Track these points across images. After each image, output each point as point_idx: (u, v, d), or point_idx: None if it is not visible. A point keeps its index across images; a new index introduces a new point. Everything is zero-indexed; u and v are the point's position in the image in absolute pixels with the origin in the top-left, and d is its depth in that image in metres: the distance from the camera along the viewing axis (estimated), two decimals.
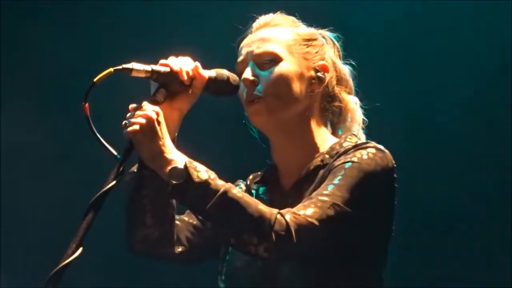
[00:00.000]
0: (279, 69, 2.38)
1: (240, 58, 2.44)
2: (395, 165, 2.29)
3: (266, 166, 2.51)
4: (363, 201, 2.20)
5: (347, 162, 2.24)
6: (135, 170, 2.34)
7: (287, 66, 2.38)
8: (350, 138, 2.39)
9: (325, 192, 2.19)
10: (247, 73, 2.38)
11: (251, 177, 2.54)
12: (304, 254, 2.18)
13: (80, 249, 2.05)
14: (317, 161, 2.35)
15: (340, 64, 2.49)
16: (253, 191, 2.48)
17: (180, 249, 2.44)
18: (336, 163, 2.27)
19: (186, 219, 2.47)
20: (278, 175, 2.45)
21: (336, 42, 2.52)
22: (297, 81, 2.38)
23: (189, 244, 2.45)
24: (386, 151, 2.29)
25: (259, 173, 2.53)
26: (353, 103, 2.48)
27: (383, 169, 2.25)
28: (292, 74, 2.38)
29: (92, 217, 2.10)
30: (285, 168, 2.43)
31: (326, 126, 2.46)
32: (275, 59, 2.39)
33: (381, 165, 2.25)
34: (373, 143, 2.32)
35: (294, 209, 2.16)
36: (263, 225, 2.11)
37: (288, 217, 2.13)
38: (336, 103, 2.46)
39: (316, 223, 2.13)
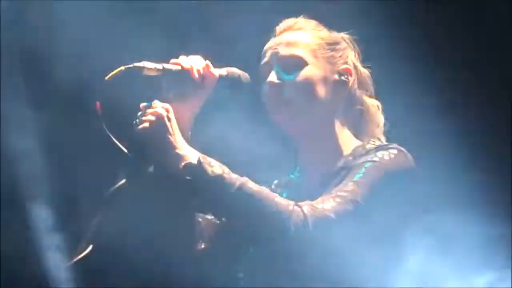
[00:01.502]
0: (305, 73, 2.38)
1: (264, 60, 2.44)
2: (415, 168, 2.31)
3: (291, 171, 2.52)
4: (381, 200, 2.21)
5: (368, 161, 2.26)
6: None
7: (312, 70, 2.39)
8: (374, 142, 2.40)
9: (345, 188, 2.21)
10: (273, 77, 2.39)
11: (276, 181, 2.55)
12: (321, 247, 2.18)
13: (91, 246, 2.06)
14: (340, 163, 2.36)
15: (361, 67, 2.50)
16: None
17: (203, 246, 2.43)
18: (357, 162, 2.28)
19: (210, 217, 2.47)
20: (303, 179, 2.46)
21: (356, 45, 2.52)
22: (322, 85, 2.39)
23: (211, 240, 2.44)
24: (408, 153, 2.31)
25: (282, 179, 2.54)
26: (374, 106, 2.49)
27: (403, 170, 2.27)
28: (317, 78, 2.39)
29: (103, 215, 2.11)
30: (309, 171, 2.44)
31: (349, 128, 2.46)
32: (300, 63, 2.40)
33: (402, 165, 2.27)
34: (395, 145, 2.33)
35: (313, 202, 2.18)
36: (281, 217, 2.12)
37: (305, 209, 2.14)
38: (358, 106, 2.47)
39: (334, 216, 2.15)
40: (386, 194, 2.23)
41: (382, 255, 2.28)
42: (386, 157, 2.27)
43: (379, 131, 2.48)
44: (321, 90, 2.39)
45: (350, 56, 2.48)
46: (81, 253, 2.05)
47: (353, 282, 2.24)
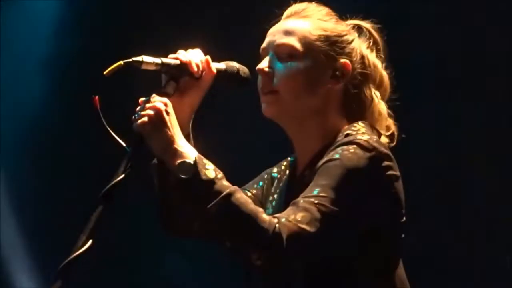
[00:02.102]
0: (296, 65, 2.35)
1: (263, 45, 2.42)
2: (385, 153, 2.23)
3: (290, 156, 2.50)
4: (350, 199, 2.17)
5: (330, 160, 2.21)
6: (155, 161, 2.33)
7: (305, 63, 2.35)
8: (354, 127, 2.33)
9: (310, 194, 2.17)
10: (263, 63, 2.37)
11: (285, 163, 2.53)
12: (296, 261, 2.16)
13: (90, 242, 2.06)
14: (324, 144, 2.33)
15: (373, 58, 2.43)
16: (278, 182, 2.48)
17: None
18: (321, 162, 2.24)
19: None
20: (296, 162, 2.45)
21: (375, 34, 2.46)
22: (312, 78, 2.35)
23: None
24: (372, 145, 2.23)
25: (283, 162, 2.52)
26: (381, 106, 2.42)
27: (366, 162, 2.20)
28: (309, 71, 2.35)
29: (103, 210, 2.10)
30: (301, 158, 2.42)
31: (350, 120, 2.39)
32: (294, 54, 2.36)
33: (364, 157, 2.20)
34: (358, 139, 2.25)
35: (285, 215, 2.14)
36: (259, 234, 2.09)
37: (282, 224, 2.11)
38: (360, 99, 2.40)
39: (307, 228, 2.11)
40: (353, 192, 2.18)
41: (366, 262, 2.26)
42: (346, 152, 2.21)
43: (383, 122, 2.41)
44: (310, 84, 2.35)
45: (359, 48, 2.41)
46: (80, 249, 2.04)
47: None
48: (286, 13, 2.44)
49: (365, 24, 2.47)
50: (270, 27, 2.44)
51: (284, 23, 2.42)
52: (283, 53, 2.37)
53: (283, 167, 2.52)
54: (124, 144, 2.21)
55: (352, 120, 2.38)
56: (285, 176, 2.48)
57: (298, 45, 2.37)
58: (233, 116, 4.47)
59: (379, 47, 2.46)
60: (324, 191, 2.16)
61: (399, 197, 2.28)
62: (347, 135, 2.28)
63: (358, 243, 2.22)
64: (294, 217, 2.12)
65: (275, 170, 2.53)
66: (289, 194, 2.22)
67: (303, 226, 2.11)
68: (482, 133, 4.28)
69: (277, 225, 2.10)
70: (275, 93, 2.35)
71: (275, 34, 2.40)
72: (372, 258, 2.25)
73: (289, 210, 2.16)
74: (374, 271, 2.26)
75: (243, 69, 2.41)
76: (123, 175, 2.14)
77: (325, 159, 2.24)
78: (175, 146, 2.19)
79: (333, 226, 2.15)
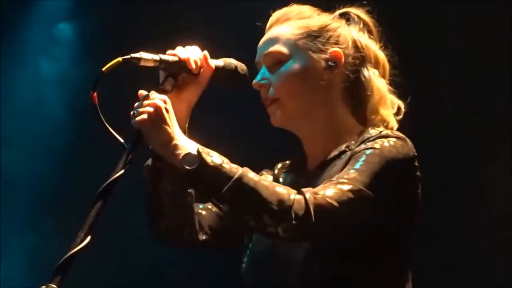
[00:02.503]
0: (286, 69, 2.37)
1: (256, 59, 2.45)
2: (416, 154, 2.29)
3: (295, 155, 2.50)
4: (383, 187, 2.19)
5: (369, 148, 2.24)
6: (150, 164, 2.34)
7: (293, 64, 2.37)
8: (378, 127, 2.38)
9: (346, 176, 2.18)
10: (257, 78, 2.40)
11: (279, 165, 2.54)
12: (323, 235, 2.17)
13: (89, 238, 2.05)
14: (342, 146, 2.35)
15: (365, 40, 2.44)
16: (281, 179, 2.49)
17: (204, 237, 2.43)
18: (358, 149, 2.27)
19: (210, 207, 2.46)
20: (306, 162, 2.45)
21: (363, 17, 2.48)
22: (306, 76, 2.37)
23: (212, 232, 2.45)
24: (408, 140, 2.29)
25: (287, 162, 2.53)
26: (383, 88, 2.43)
27: (404, 156, 2.25)
28: (299, 70, 2.37)
29: (101, 206, 2.10)
30: (312, 155, 2.43)
31: (354, 110, 2.42)
32: (281, 59, 2.38)
33: (402, 153, 2.25)
34: (396, 132, 2.32)
35: (314, 189, 2.15)
36: (281, 206, 2.10)
37: (307, 196, 2.12)
38: (360, 85, 2.41)
39: (335, 203, 2.12)
40: (387, 181, 2.21)
41: (384, 243, 2.27)
42: (386, 144, 2.24)
43: (389, 112, 2.43)
44: (306, 82, 2.36)
45: (348, 33, 2.43)
46: (79, 245, 2.04)
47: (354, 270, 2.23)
48: (269, 24, 2.47)
49: (352, 10, 2.49)
50: (259, 40, 2.46)
51: (268, 33, 2.45)
52: (272, 61, 2.39)
53: (277, 171, 2.52)
54: (122, 141, 2.21)
55: (356, 106, 2.40)
56: (286, 178, 2.48)
57: (283, 49, 2.38)
58: (228, 113, 4.47)
59: (370, 29, 2.48)
60: (360, 175, 2.18)
61: (420, 199, 2.32)
62: (380, 133, 2.31)
63: (376, 235, 2.24)
64: (323, 192, 2.14)
65: (266, 173, 2.53)
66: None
67: (332, 201, 2.12)
68: None
69: (298, 196, 2.11)
70: (277, 102, 2.37)
71: (262, 47, 2.43)
72: (385, 255, 2.26)
73: (319, 187, 2.17)
74: (384, 272, 2.27)
75: (241, 66, 2.41)
76: (122, 171, 2.14)
77: (362, 146, 2.26)
78: (175, 142, 2.18)
79: (362, 208, 2.17)
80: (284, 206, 2.10)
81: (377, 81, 2.42)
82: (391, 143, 2.25)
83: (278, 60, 2.38)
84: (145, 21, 4.73)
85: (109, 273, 4.84)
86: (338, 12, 2.49)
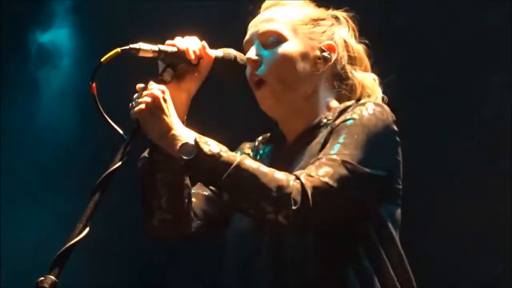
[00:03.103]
0: (283, 49, 2.37)
1: (246, 38, 2.43)
2: (395, 119, 2.29)
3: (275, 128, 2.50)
4: (370, 156, 2.19)
5: (348, 119, 2.24)
6: (147, 155, 2.33)
7: (290, 46, 2.37)
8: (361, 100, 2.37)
9: (332, 151, 2.18)
10: (251, 52, 2.38)
11: (260, 138, 2.54)
12: (322, 216, 2.16)
13: (87, 229, 2.05)
14: (320, 118, 2.35)
15: (353, 43, 2.47)
16: (261, 151, 2.48)
17: (196, 225, 2.42)
18: (338, 121, 2.26)
19: (200, 191, 2.45)
20: (284, 134, 2.44)
21: (351, 22, 2.50)
22: (301, 61, 2.37)
23: (205, 217, 2.44)
24: (385, 105, 2.29)
25: (268, 134, 2.53)
26: (370, 80, 2.46)
27: (384, 122, 2.25)
28: (296, 54, 2.37)
29: (99, 198, 2.09)
30: (291, 131, 2.42)
31: (339, 99, 2.43)
32: (279, 39, 2.38)
33: (382, 119, 2.25)
34: (371, 100, 2.32)
35: (306, 171, 2.15)
36: (281, 192, 2.10)
37: (303, 180, 2.12)
38: (349, 82, 2.44)
39: (330, 182, 2.13)
40: (372, 149, 2.20)
41: (382, 214, 2.27)
42: (365, 113, 2.25)
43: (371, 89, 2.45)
44: (299, 66, 2.36)
45: (340, 33, 2.46)
46: (77, 236, 2.03)
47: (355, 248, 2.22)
48: (263, 6, 2.47)
49: (342, 13, 2.51)
50: (248, 23, 2.46)
51: (264, 14, 2.44)
52: (268, 40, 2.38)
53: (257, 143, 2.52)
54: (121, 132, 2.20)
55: (340, 99, 2.41)
56: (265, 149, 2.48)
57: (282, 30, 2.38)
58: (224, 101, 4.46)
59: (355, 34, 2.50)
60: (346, 148, 2.18)
61: (400, 162, 2.31)
62: (358, 100, 2.32)
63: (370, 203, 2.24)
64: (316, 172, 2.14)
65: (247, 146, 2.53)
66: (276, 164, 2.23)
67: (327, 180, 2.13)
68: None
69: (295, 182, 2.11)
70: (267, 84, 2.35)
71: (257, 25, 2.42)
72: (376, 222, 2.25)
73: (310, 167, 2.17)
74: (378, 237, 2.25)
75: (241, 56, 2.40)
76: (119, 163, 2.13)
77: (341, 118, 2.26)
78: (173, 132, 2.18)
79: (356, 181, 2.17)
80: (283, 193, 2.10)
81: (362, 77, 2.44)
82: (370, 111, 2.25)
83: (276, 40, 2.38)
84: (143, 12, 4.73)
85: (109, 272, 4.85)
86: (329, 12, 2.50)
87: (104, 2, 4.86)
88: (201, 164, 2.13)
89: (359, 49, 2.48)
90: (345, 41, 2.46)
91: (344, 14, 2.51)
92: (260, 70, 2.36)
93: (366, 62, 2.48)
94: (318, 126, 2.34)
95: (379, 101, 2.42)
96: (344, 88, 2.43)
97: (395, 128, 2.28)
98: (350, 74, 2.44)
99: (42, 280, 1.97)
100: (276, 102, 2.36)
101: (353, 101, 2.35)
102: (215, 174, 2.12)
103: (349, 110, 2.28)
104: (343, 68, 2.44)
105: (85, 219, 2.06)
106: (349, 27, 2.49)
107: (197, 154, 2.12)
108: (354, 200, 2.19)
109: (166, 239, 2.44)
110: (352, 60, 2.46)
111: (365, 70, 2.47)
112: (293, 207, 2.09)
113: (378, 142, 2.23)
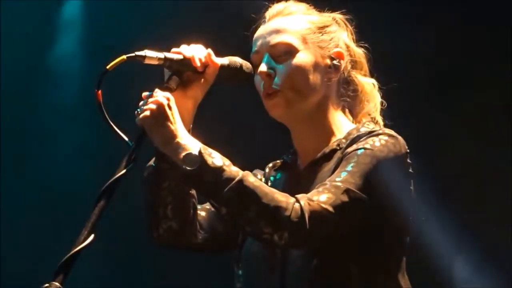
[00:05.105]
0: (296, 61, 2.36)
1: (255, 49, 2.42)
2: (408, 151, 2.28)
3: (286, 153, 2.50)
4: (376, 188, 2.19)
5: (360, 149, 2.24)
6: (153, 164, 2.33)
7: (303, 57, 2.37)
8: (368, 124, 2.38)
9: (338, 178, 2.18)
10: (263, 67, 2.37)
11: (270, 165, 2.53)
12: (317, 240, 2.17)
13: (92, 236, 2.05)
14: (333, 144, 2.35)
15: (354, 47, 2.47)
16: (271, 178, 2.48)
17: (203, 238, 2.42)
18: (349, 149, 2.26)
19: (208, 207, 2.45)
20: (296, 160, 2.44)
21: (349, 25, 2.50)
22: (313, 71, 2.37)
23: (212, 231, 2.43)
24: (399, 137, 2.28)
25: (278, 161, 2.52)
26: (370, 85, 2.46)
27: (395, 155, 2.24)
28: (309, 65, 2.37)
29: (104, 204, 2.09)
30: (303, 152, 2.42)
31: (344, 111, 2.44)
32: (291, 51, 2.37)
33: (394, 151, 2.24)
34: (387, 130, 2.31)
35: (308, 195, 2.15)
36: (279, 214, 2.10)
37: (302, 203, 2.12)
38: (352, 87, 2.44)
39: (330, 209, 2.13)
40: (380, 181, 2.20)
41: (382, 244, 2.26)
42: (377, 143, 2.24)
43: (375, 110, 2.45)
44: (312, 77, 2.36)
45: (342, 37, 2.45)
46: (82, 243, 2.03)
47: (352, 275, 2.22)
48: (268, 15, 2.46)
49: (340, 16, 2.49)
50: (253, 32, 2.46)
51: (271, 24, 2.43)
52: (279, 51, 2.38)
53: (267, 170, 2.52)
54: (126, 139, 2.20)
55: (346, 105, 2.42)
56: (276, 175, 2.48)
57: (293, 41, 2.38)
58: (230, 111, 4.46)
59: (353, 37, 2.50)
60: (352, 177, 2.18)
61: (414, 195, 2.31)
62: (371, 131, 2.30)
63: (372, 234, 2.23)
64: (318, 198, 2.14)
65: (260, 173, 2.52)
66: (291, 189, 2.22)
67: (326, 206, 2.13)
68: None
69: (295, 205, 2.11)
70: (279, 93, 2.35)
71: (265, 36, 2.41)
72: (376, 255, 2.25)
73: (313, 192, 2.17)
74: (378, 269, 2.26)
75: (246, 64, 2.40)
76: (125, 170, 2.13)
77: (354, 146, 2.26)
78: (177, 140, 2.18)
79: (357, 211, 2.17)
80: (281, 215, 2.10)
81: (365, 83, 2.45)
82: (382, 142, 2.25)
83: (286, 51, 2.37)
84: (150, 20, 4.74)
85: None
86: (330, 16, 2.49)
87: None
88: (203, 176, 2.13)
89: (359, 53, 2.48)
90: (347, 45, 2.46)
91: (341, 16, 2.50)
92: (274, 83, 2.36)
93: (366, 66, 2.48)
94: (331, 153, 2.33)
95: (378, 107, 2.43)
96: (348, 95, 2.44)
97: (408, 160, 2.28)
98: (354, 80, 2.44)
99: (46, 287, 1.97)
100: (287, 109, 2.36)
101: (366, 124, 2.35)
102: (216, 187, 2.12)
103: (362, 139, 2.27)
104: (348, 74, 2.44)
105: (90, 226, 2.06)
106: (348, 31, 2.48)
107: (200, 165, 2.13)
108: (352, 227, 2.19)
109: (172, 247, 2.43)
110: (354, 64, 2.46)
111: (365, 75, 2.47)
112: (289, 229, 2.10)
113: (386, 173, 2.22)
